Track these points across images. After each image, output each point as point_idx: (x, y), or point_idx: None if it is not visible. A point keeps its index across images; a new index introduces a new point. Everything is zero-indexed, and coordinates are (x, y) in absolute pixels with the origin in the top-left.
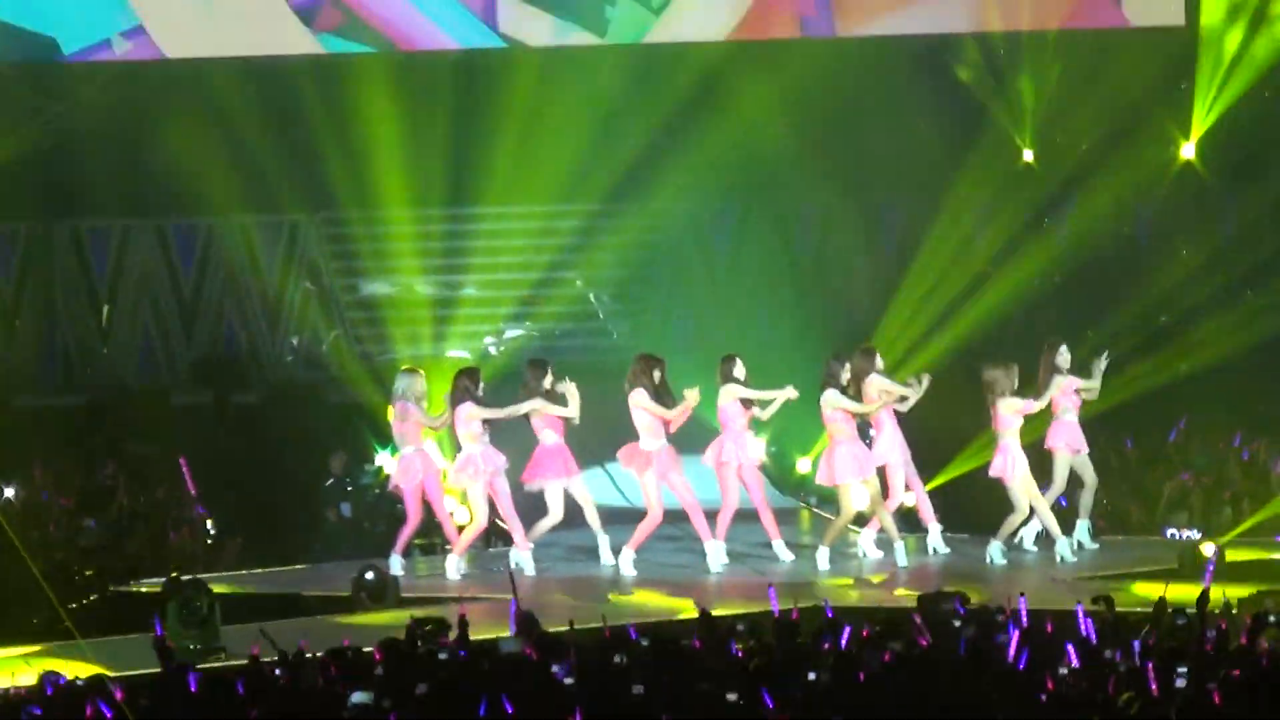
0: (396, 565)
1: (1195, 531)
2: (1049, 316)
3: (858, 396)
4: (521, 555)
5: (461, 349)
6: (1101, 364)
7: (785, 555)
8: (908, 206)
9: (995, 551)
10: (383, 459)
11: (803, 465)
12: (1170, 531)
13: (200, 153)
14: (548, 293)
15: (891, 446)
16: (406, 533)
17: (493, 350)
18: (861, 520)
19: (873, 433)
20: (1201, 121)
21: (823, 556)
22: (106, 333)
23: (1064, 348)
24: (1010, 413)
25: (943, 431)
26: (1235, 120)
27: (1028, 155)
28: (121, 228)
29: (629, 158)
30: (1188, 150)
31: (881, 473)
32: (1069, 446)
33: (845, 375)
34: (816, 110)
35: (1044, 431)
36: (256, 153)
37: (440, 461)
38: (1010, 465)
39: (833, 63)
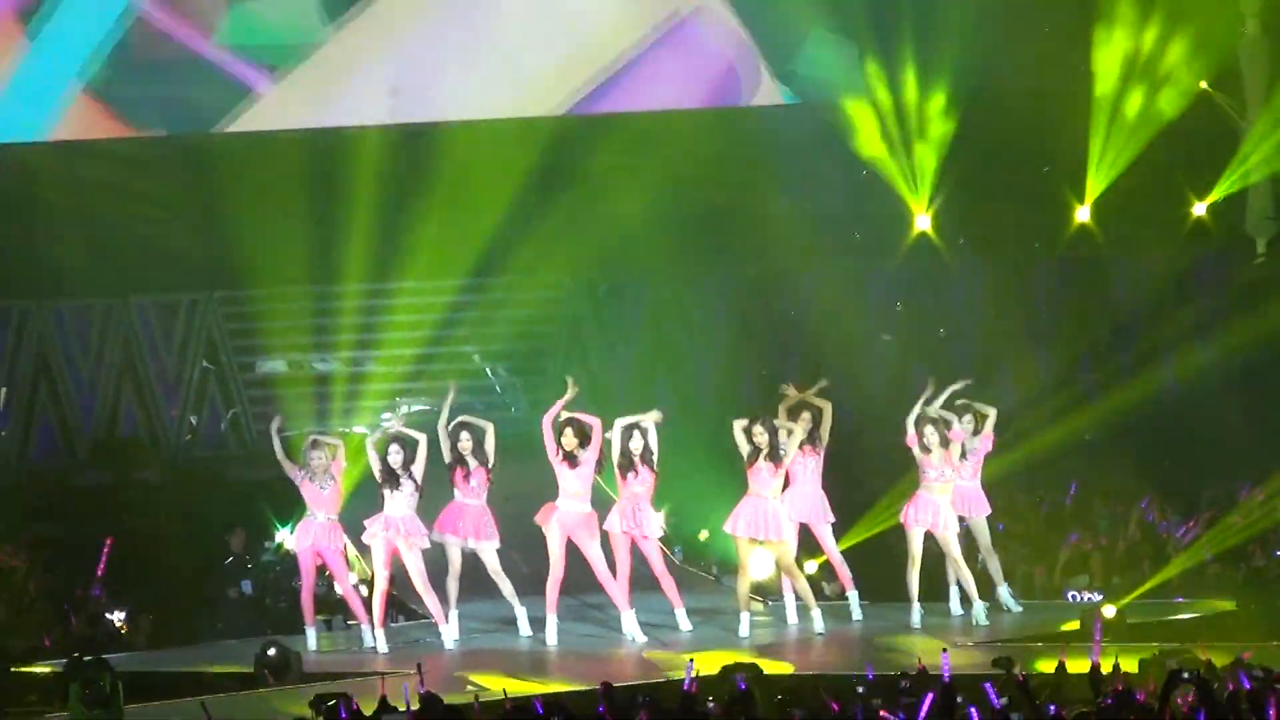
0: (311, 639)
1: (1096, 594)
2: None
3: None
4: (444, 628)
5: (360, 424)
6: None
7: (685, 625)
8: (809, 276)
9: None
10: (283, 535)
11: (702, 535)
12: (1071, 594)
13: (92, 233)
14: (445, 367)
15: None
16: (307, 598)
17: (390, 426)
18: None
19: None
20: (1097, 184)
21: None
22: (4, 414)
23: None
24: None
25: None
26: (1130, 185)
27: (923, 222)
28: (19, 310)
29: (524, 230)
30: (1083, 214)
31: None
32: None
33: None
34: (715, 180)
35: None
36: (149, 231)
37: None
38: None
39: (733, 132)
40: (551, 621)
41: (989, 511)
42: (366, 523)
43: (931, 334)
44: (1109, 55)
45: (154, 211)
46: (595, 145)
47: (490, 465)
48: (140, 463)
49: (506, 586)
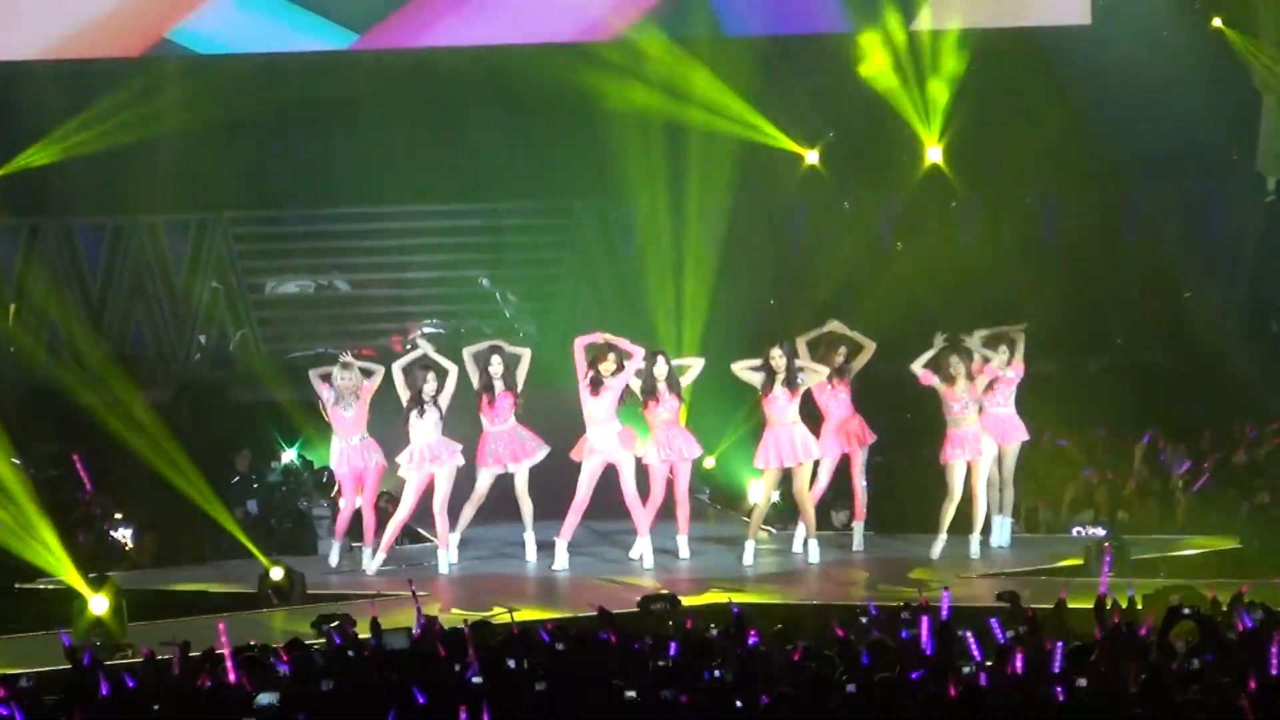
0: (335, 554)
1: (1101, 529)
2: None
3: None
4: (443, 553)
5: (367, 346)
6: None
7: (684, 552)
8: (812, 205)
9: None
10: (288, 456)
11: (708, 462)
12: (1076, 529)
13: (106, 152)
14: (454, 291)
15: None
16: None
17: (398, 348)
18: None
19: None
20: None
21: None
22: (13, 331)
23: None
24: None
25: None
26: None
27: (934, 154)
28: (29, 226)
29: (533, 155)
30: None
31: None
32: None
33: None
34: (718, 110)
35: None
36: (162, 152)
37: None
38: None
39: (734, 61)
40: (561, 548)
41: (1026, 438)
42: (399, 459)
43: (940, 266)
44: None
45: (164, 131)
46: (603, 72)
47: (519, 391)
48: (148, 381)
49: (527, 508)
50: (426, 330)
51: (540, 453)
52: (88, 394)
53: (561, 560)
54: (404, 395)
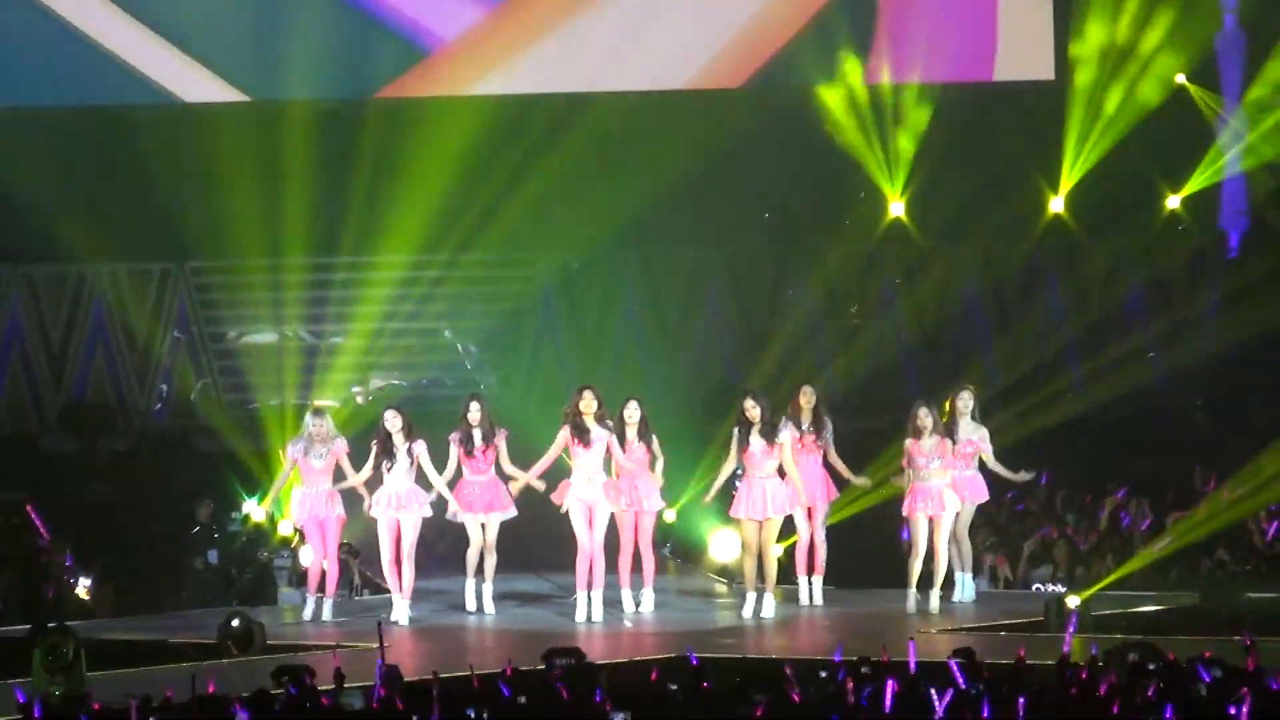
0: (323, 606)
1: (1060, 585)
2: (916, 369)
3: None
4: (399, 604)
5: (329, 398)
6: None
7: (648, 605)
8: (777, 259)
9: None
10: (249, 506)
11: (669, 515)
12: (1036, 585)
13: (70, 199)
14: (415, 342)
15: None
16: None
17: (359, 399)
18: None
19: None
20: (1070, 175)
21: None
22: None
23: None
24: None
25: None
26: (1102, 174)
27: (897, 208)
28: None
29: (497, 208)
30: (1056, 204)
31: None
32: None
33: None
34: (683, 162)
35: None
36: (125, 199)
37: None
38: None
39: (702, 114)
40: (582, 599)
41: (985, 498)
42: (373, 498)
43: (909, 320)
44: (1086, 46)
45: (129, 179)
46: (572, 125)
47: (497, 438)
48: (109, 430)
49: (491, 561)
50: (383, 383)
51: (511, 511)
52: (48, 442)
53: (597, 610)
54: (376, 439)
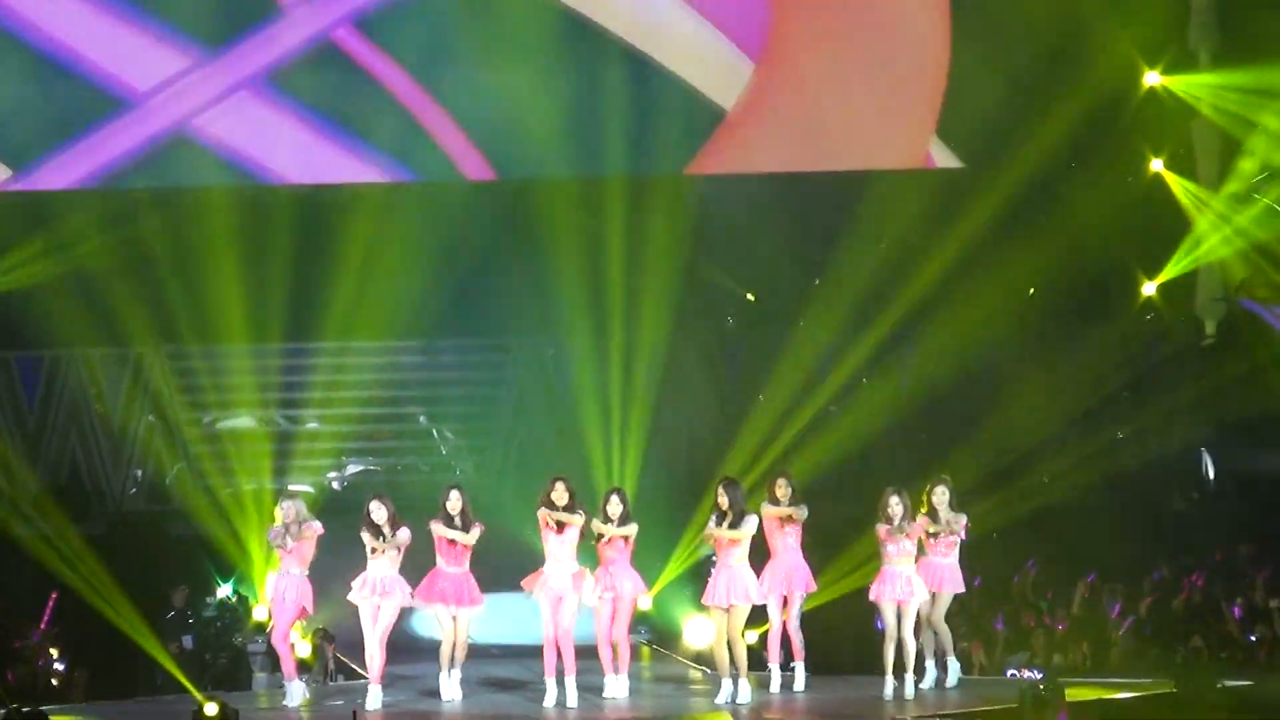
0: (294, 692)
1: (1036, 671)
2: (891, 455)
3: (736, 524)
4: (373, 690)
5: (304, 483)
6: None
7: (623, 691)
8: (752, 341)
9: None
10: (224, 591)
11: (644, 602)
12: (1011, 671)
13: (44, 284)
14: (391, 427)
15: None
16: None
17: (335, 485)
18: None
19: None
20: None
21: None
22: None
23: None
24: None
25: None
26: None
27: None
28: None
29: (473, 293)
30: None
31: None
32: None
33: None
34: (658, 244)
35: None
36: (101, 284)
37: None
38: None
39: (675, 197)
40: (550, 686)
41: (961, 590)
42: (354, 582)
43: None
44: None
45: (104, 264)
46: (548, 209)
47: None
48: (83, 514)
49: (463, 653)
50: (359, 468)
51: (479, 606)
52: (22, 526)
53: (570, 697)
54: (364, 525)
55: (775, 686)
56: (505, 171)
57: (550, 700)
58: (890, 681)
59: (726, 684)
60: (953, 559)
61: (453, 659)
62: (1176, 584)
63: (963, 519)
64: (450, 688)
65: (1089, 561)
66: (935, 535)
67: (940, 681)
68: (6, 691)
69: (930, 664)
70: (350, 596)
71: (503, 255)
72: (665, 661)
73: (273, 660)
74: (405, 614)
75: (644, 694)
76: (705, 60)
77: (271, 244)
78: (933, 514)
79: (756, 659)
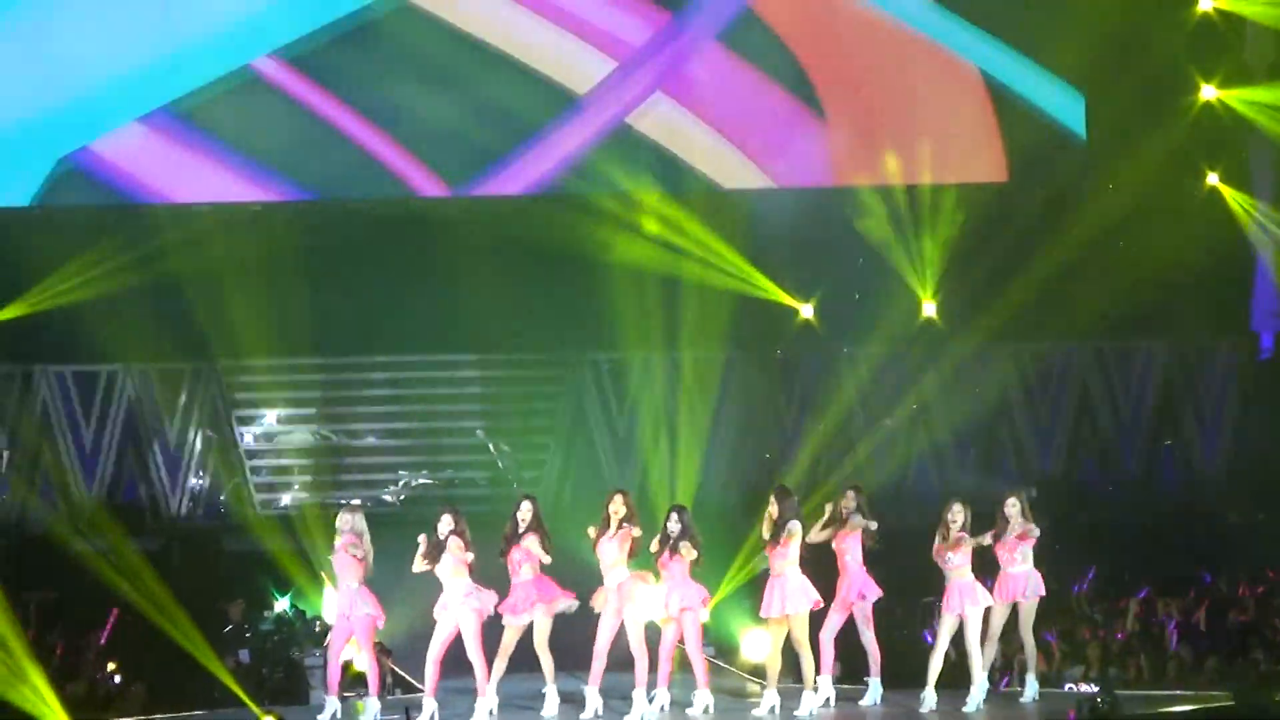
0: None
1: (1092, 685)
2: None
3: (776, 537)
4: (481, 702)
5: (361, 497)
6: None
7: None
8: (813, 359)
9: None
10: (281, 605)
11: (702, 615)
12: (1069, 685)
13: (101, 298)
14: (448, 442)
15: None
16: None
17: (391, 499)
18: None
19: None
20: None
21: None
22: (6, 477)
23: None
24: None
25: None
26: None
27: (929, 309)
28: (22, 373)
29: (533, 307)
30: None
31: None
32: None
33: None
34: (721, 261)
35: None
36: (157, 299)
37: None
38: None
39: (734, 214)
40: (591, 695)
41: (1041, 594)
42: (438, 601)
43: (938, 419)
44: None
45: (159, 279)
46: (599, 224)
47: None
48: (140, 529)
49: (547, 661)
50: (416, 482)
51: (562, 602)
52: (79, 542)
53: (641, 708)
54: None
55: (820, 700)
56: (563, 185)
57: (588, 712)
58: (930, 694)
59: (770, 694)
60: (1025, 567)
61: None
62: (1234, 595)
63: (1032, 528)
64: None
65: (1143, 574)
66: (998, 541)
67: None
68: (67, 706)
69: (1028, 678)
70: (435, 614)
71: (560, 269)
72: (724, 675)
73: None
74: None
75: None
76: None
77: (330, 259)
78: (1003, 525)
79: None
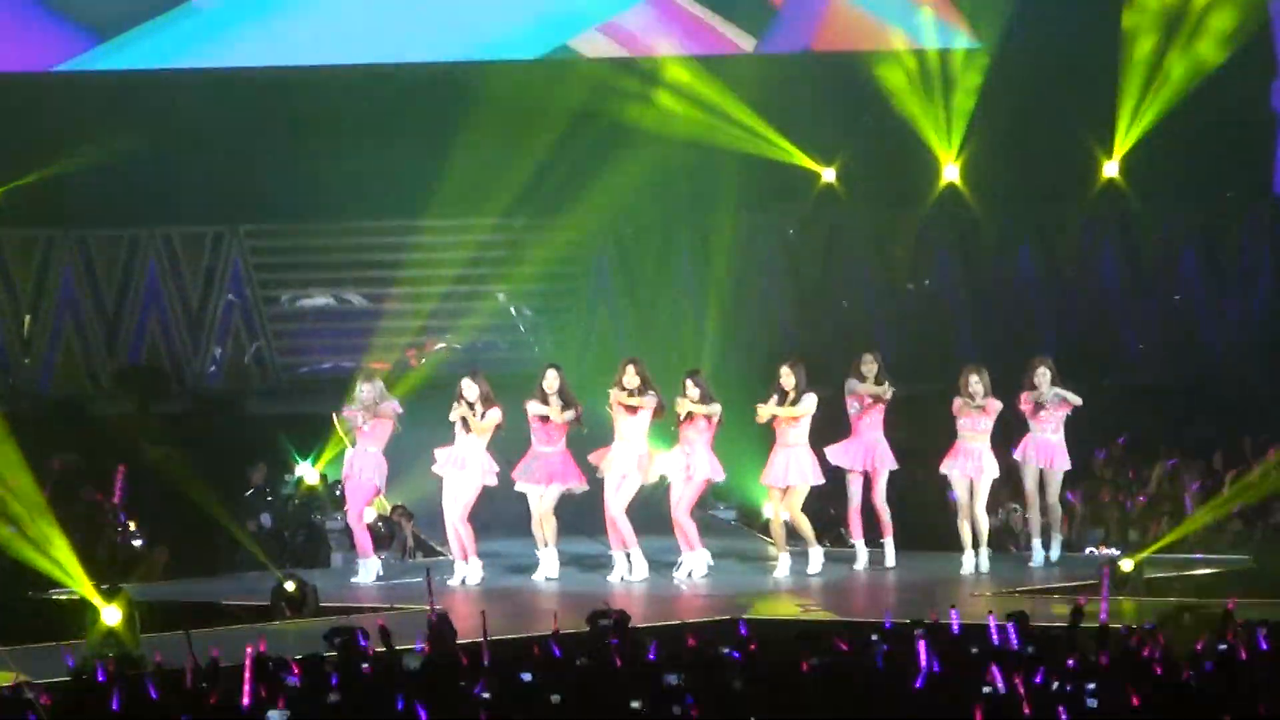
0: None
1: (1114, 548)
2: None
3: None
4: (459, 565)
5: (382, 361)
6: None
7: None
8: (825, 224)
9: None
10: (302, 469)
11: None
12: (1089, 548)
13: (121, 163)
14: (469, 306)
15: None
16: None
17: (414, 362)
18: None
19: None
20: (1124, 139)
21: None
22: (28, 343)
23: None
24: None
25: None
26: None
27: (951, 172)
28: (44, 238)
29: (553, 172)
30: (1110, 168)
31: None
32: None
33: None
34: (733, 128)
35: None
36: (178, 164)
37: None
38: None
39: (757, 77)
40: (619, 559)
41: (1067, 466)
42: (437, 452)
43: (956, 285)
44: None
45: (182, 144)
46: (621, 89)
47: (575, 411)
48: (162, 394)
49: (551, 527)
50: (438, 346)
51: (576, 484)
52: (102, 406)
53: (638, 570)
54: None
55: (862, 563)
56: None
57: (616, 575)
58: (969, 556)
59: (784, 558)
60: (1059, 436)
61: (545, 537)
62: (1258, 458)
63: (1068, 395)
64: (548, 565)
65: (1169, 440)
66: (1039, 409)
67: (1045, 559)
68: (89, 570)
69: (1037, 543)
70: (434, 468)
71: (582, 133)
72: (747, 538)
73: (350, 538)
74: (492, 492)
75: (720, 571)
76: None
77: (350, 121)
78: (1033, 391)
79: (839, 536)
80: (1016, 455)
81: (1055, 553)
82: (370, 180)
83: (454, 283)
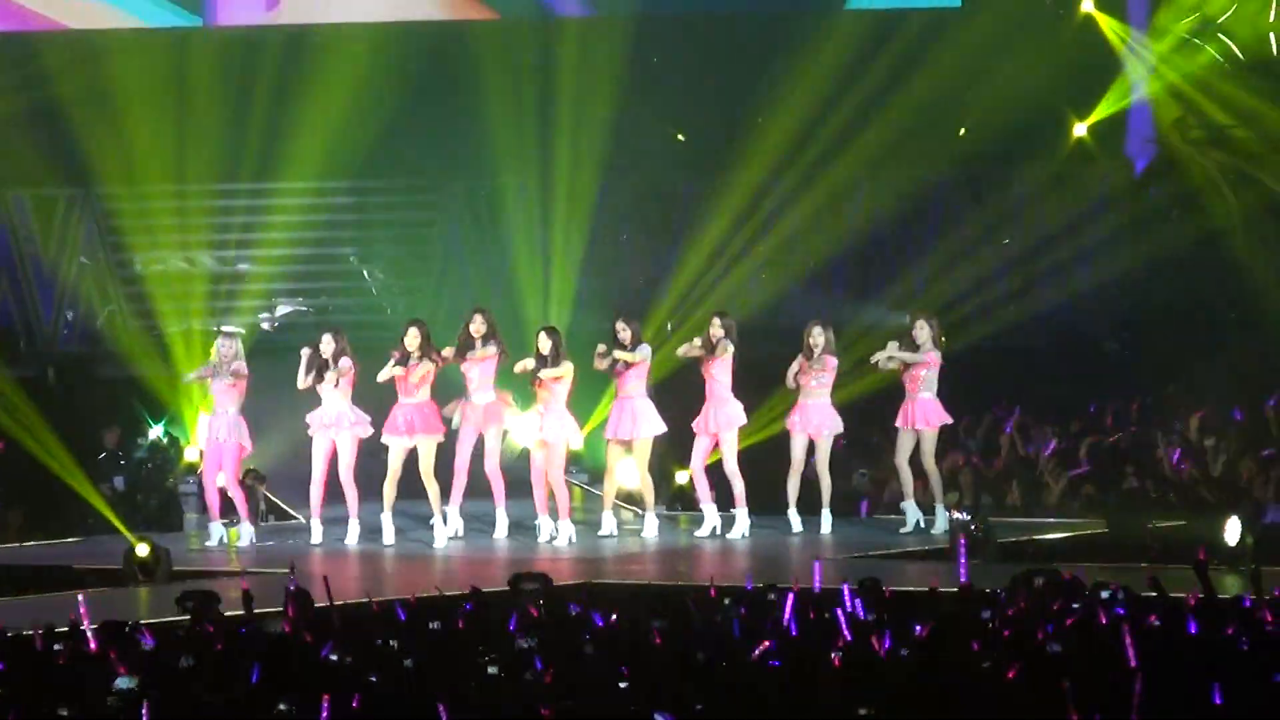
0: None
1: (965, 512)
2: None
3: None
4: (315, 527)
5: (235, 323)
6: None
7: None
8: (685, 182)
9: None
10: (155, 432)
11: (575, 443)
12: (944, 511)
13: None
14: (321, 268)
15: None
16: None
17: (265, 325)
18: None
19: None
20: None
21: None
22: None
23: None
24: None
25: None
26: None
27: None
28: None
29: (402, 133)
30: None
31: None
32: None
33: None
34: (584, 87)
35: None
36: (30, 126)
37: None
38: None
39: (606, 40)
40: (453, 515)
41: (945, 421)
42: (309, 417)
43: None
44: None
45: (35, 105)
46: (478, 47)
47: (436, 362)
48: (14, 357)
49: (433, 490)
50: (290, 309)
51: (438, 435)
52: None
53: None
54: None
55: (707, 529)
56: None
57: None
58: (793, 514)
59: (608, 517)
60: (930, 394)
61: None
62: (1112, 422)
63: (937, 355)
64: (390, 531)
65: (1020, 402)
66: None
67: (929, 525)
68: None
69: (910, 505)
70: (310, 433)
71: (434, 94)
72: (597, 503)
73: (203, 501)
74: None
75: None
76: None
77: (199, 85)
78: (910, 348)
79: (688, 500)
80: (897, 422)
81: (940, 524)
82: (223, 143)
83: (306, 245)
